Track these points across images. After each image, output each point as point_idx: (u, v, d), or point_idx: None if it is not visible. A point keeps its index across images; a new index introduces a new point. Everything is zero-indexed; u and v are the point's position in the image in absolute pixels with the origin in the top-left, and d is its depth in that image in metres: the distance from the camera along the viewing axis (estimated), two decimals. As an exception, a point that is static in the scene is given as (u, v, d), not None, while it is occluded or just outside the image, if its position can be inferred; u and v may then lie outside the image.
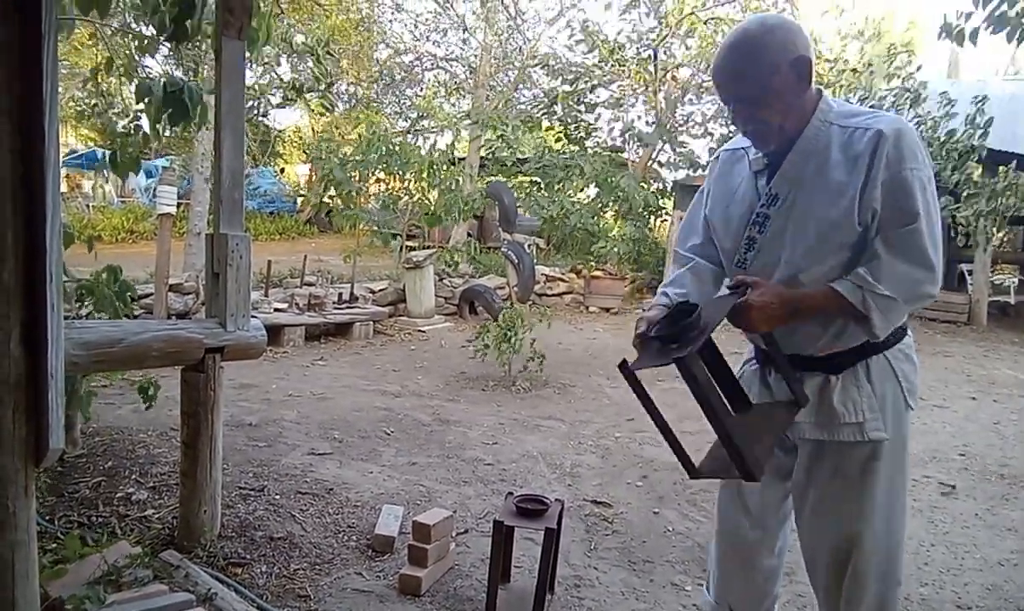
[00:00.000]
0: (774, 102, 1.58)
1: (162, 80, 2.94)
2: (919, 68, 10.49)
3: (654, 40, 12.69)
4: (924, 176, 1.55)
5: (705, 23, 12.23)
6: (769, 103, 1.59)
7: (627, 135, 13.23)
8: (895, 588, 1.72)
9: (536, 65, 14.61)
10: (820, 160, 1.61)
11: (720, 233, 1.81)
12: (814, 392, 1.69)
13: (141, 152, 3.22)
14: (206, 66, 3.39)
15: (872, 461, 1.67)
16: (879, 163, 1.53)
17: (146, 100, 2.96)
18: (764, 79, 1.57)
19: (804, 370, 1.70)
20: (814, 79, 1.62)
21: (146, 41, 3.16)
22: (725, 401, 1.54)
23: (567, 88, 13.59)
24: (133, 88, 3.17)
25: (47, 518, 2.82)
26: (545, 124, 13.91)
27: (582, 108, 13.88)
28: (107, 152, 3.20)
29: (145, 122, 3.20)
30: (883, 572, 1.69)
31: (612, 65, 13.05)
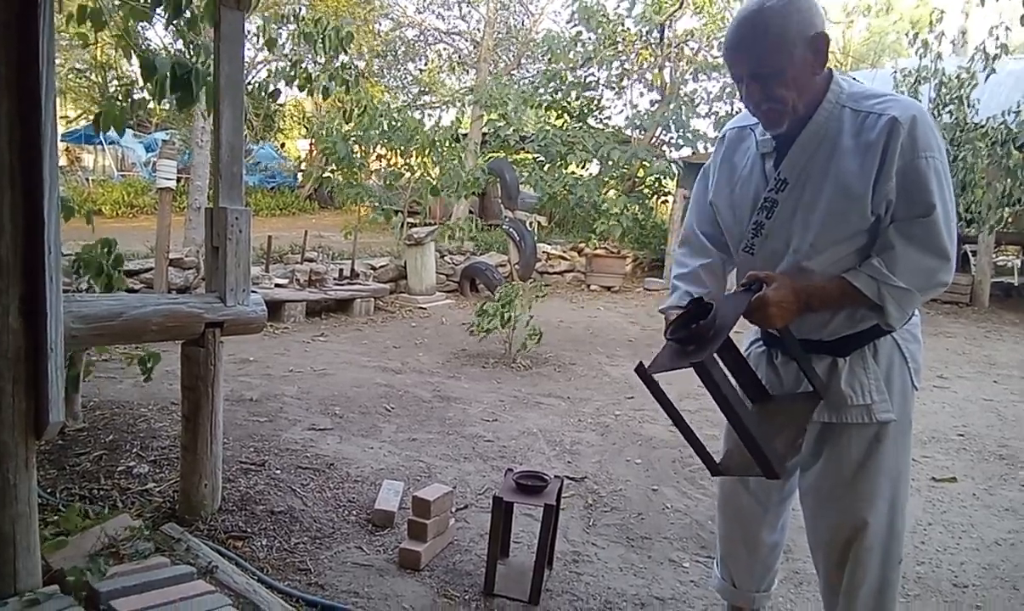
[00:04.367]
0: (790, 80, 1.52)
1: (170, 62, 2.90)
2: (940, 37, 10.08)
3: (656, 15, 12.51)
4: (939, 163, 1.52)
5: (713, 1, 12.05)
6: (785, 81, 1.52)
7: (631, 119, 13.04)
8: (896, 567, 1.74)
9: (540, 46, 14.41)
10: (831, 145, 1.56)
11: (726, 217, 1.78)
12: (822, 374, 1.68)
13: (129, 116, 3.19)
14: (206, 36, 3.35)
15: (878, 442, 1.67)
16: (893, 152, 1.48)
17: (152, 77, 2.93)
18: (782, 55, 1.50)
19: (811, 353, 1.69)
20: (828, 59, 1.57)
21: (133, 8, 3.11)
22: (744, 399, 1.53)
23: (568, 72, 13.39)
24: (135, 61, 3.14)
25: (48, 491, 2.83)
26: (547, 103, 13.74)
27: (582, 89, 13.71)
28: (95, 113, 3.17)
29: (142, 93, 3.17)
30: (886, 551, 1.70)
31: (613, 44, 12.86)
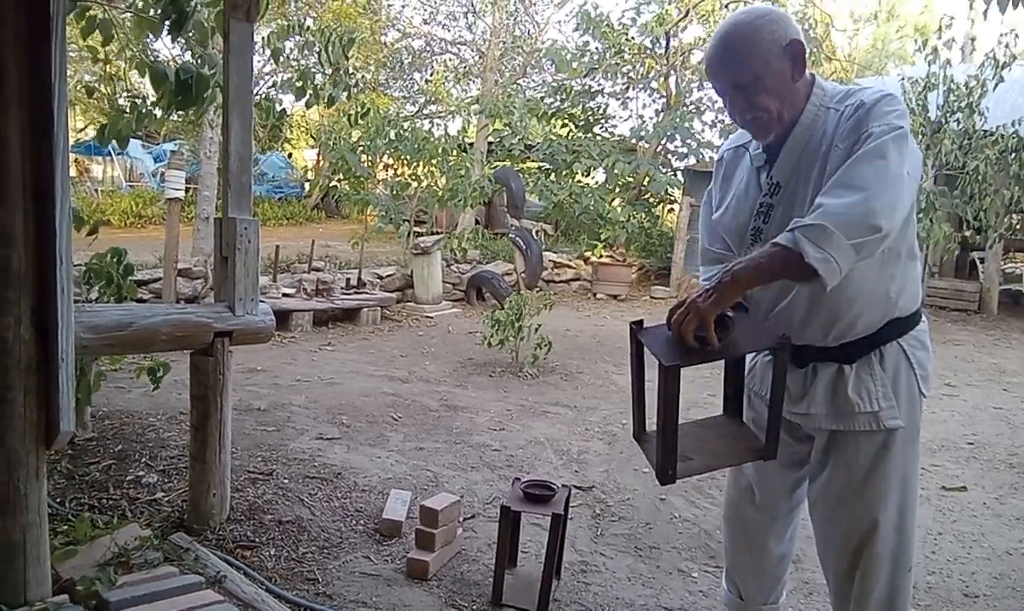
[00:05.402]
0: (770, 87, 1.58)
1: (175, 68, 2.94)
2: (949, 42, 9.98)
3: (660, 26, 12.53)
4: (895, 126, 1.48)
5: (724, 8, 12.05)
6: (766, 88, 1.57)
7: (637, 129, 13.03)
8: (906, 574, 1.73)
9: (544, 57, 14.44)
10: (818, 145, 1.60)
11: (729, 233, 1.81)
12: (828, 382, 1.68)
13: (136, 130, 3.22)
14: (214, 47, 3.39)
15: (886, 449, 1.66)
16: (860, 127, 1.52)
17: (162, 85, 2.97)
18: (760, 63, 1.56)
19: (818, 361, 1.69)
20: (808, 67, 1.62)
21: (143, 21, 3.15)
22: (678, 414, 1.53)
23: (575, 84, 13.41)
24: (138, 71, 3.17)
25: (58, 500, 2.84)
26: (552, 112, 13.77)
27: (588, 98, 13.74)
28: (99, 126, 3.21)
29: (151, 107, 3.20)
30: (895, 559, 1.70)
31: (619, 52, 12.87)
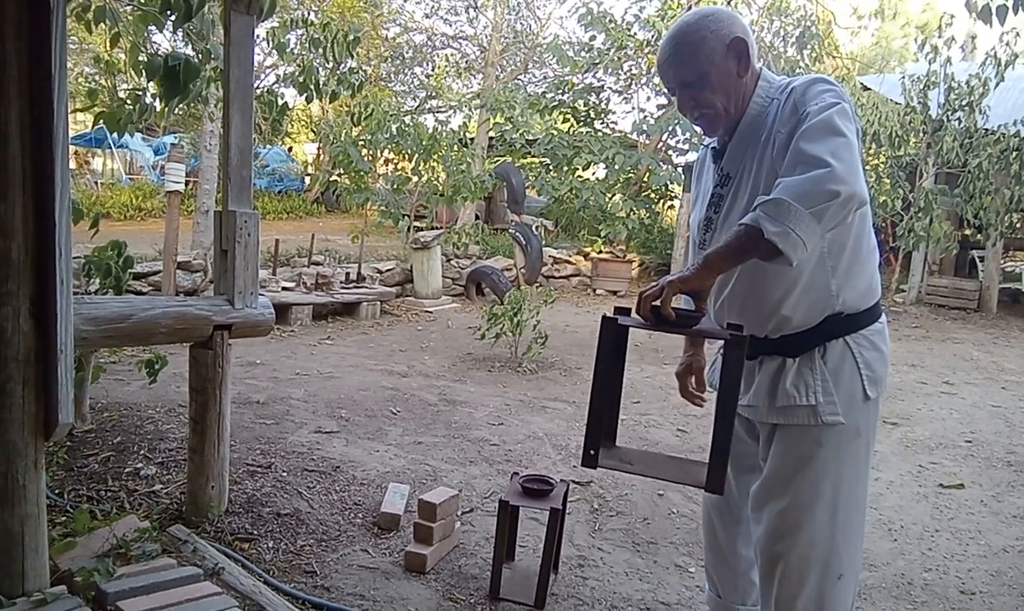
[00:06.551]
0: (716, 85, 1.62)
1: (166, 55, 2.92)
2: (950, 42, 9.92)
3: (662, 21, 12.49)
4: (832, 102, 1.49)
5: (727, 3, 12.01)
6: (711, 86, 1.62)
7: (638, 124, 13.00)
8: (836, 582, 1.64)
9: (545, 52, 14.41)
10: (765, 135, 1.62)
11: (693, 224, 1.87)
12: (771, 375, 1.66)
13: (135, 123, 3.21)
14: (214, 38, 3.38)
15: (819, 446, 1.61)
16: (796, 111, 1.54)
17: (154, 75, 2.95)
18: (705, 62, 1.60)
19: (764, 354, 1.67)
20: (755, 61, 1.66)
21: (144, 13, 3.13)
22: (610, 385, 1.58)
23: (577, 80, 13.38)
24: (134, 70, 3.17)
25: (56, 492, 2.85)
26: (553, 106, 13.74)
27: (592, 96, 13.71)
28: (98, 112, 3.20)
29: (149, 97, 3.20)
30: (824, 565, 1.62)
31: (621, 48, 12.83)
